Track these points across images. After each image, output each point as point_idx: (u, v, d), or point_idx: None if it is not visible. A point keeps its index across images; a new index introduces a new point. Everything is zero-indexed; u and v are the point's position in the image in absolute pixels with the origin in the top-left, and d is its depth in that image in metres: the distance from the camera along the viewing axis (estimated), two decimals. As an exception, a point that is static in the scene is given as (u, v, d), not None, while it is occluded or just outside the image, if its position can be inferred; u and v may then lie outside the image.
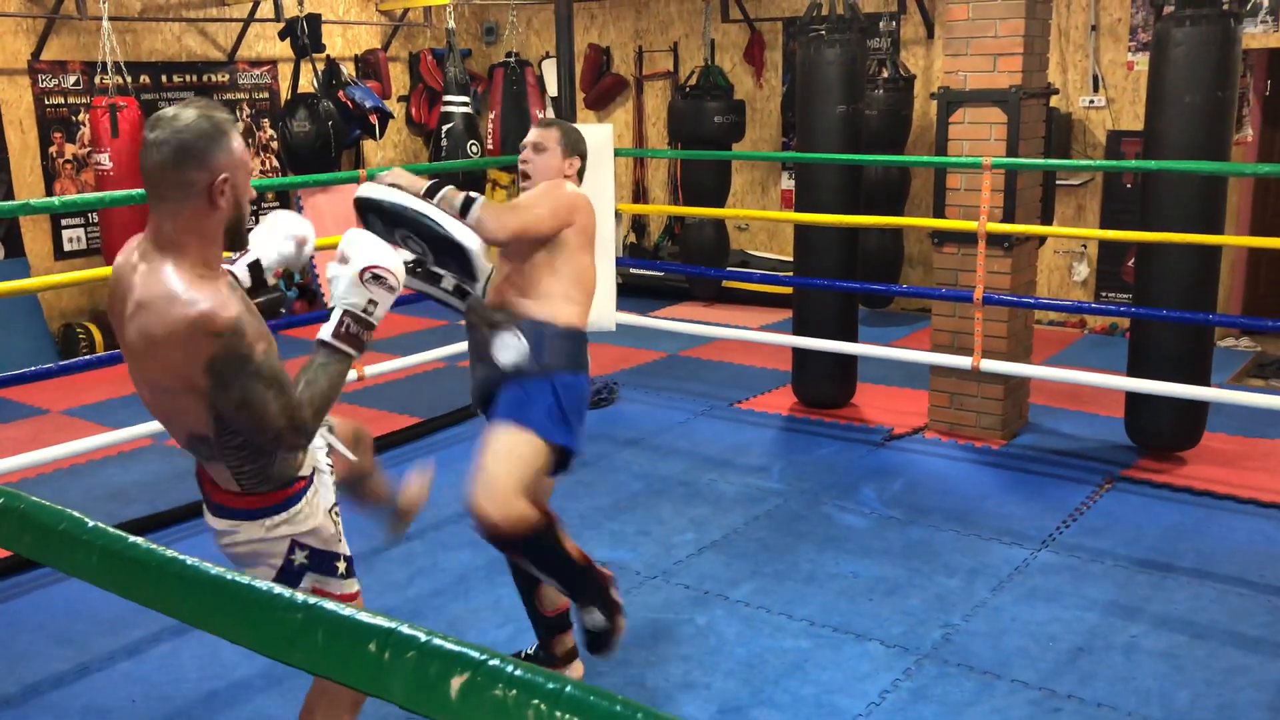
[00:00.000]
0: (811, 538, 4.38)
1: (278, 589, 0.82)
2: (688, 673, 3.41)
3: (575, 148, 3.14)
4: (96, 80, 7.35)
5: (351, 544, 4.45)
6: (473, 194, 2.90)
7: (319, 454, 2.39)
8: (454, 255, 2.85)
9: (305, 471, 2.28)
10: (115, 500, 4.83)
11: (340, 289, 2.12)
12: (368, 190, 2.84)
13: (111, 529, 0.95)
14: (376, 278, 2.11)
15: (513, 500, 2.82)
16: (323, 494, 2.33)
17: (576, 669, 3.35)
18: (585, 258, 3.04)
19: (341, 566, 2.35)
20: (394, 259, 2.16)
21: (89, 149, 7.34)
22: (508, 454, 2.85)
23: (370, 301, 2.12)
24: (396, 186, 2.85)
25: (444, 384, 6.54)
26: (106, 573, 0.90)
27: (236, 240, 2.17)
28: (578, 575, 2.98)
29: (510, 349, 2.90)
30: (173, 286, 1.98)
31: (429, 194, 2.85)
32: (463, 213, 2.84)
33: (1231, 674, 3.37)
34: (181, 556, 0.89)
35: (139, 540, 0.91)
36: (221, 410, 2.04)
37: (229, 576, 0.83)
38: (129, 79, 7.31)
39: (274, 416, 2.03)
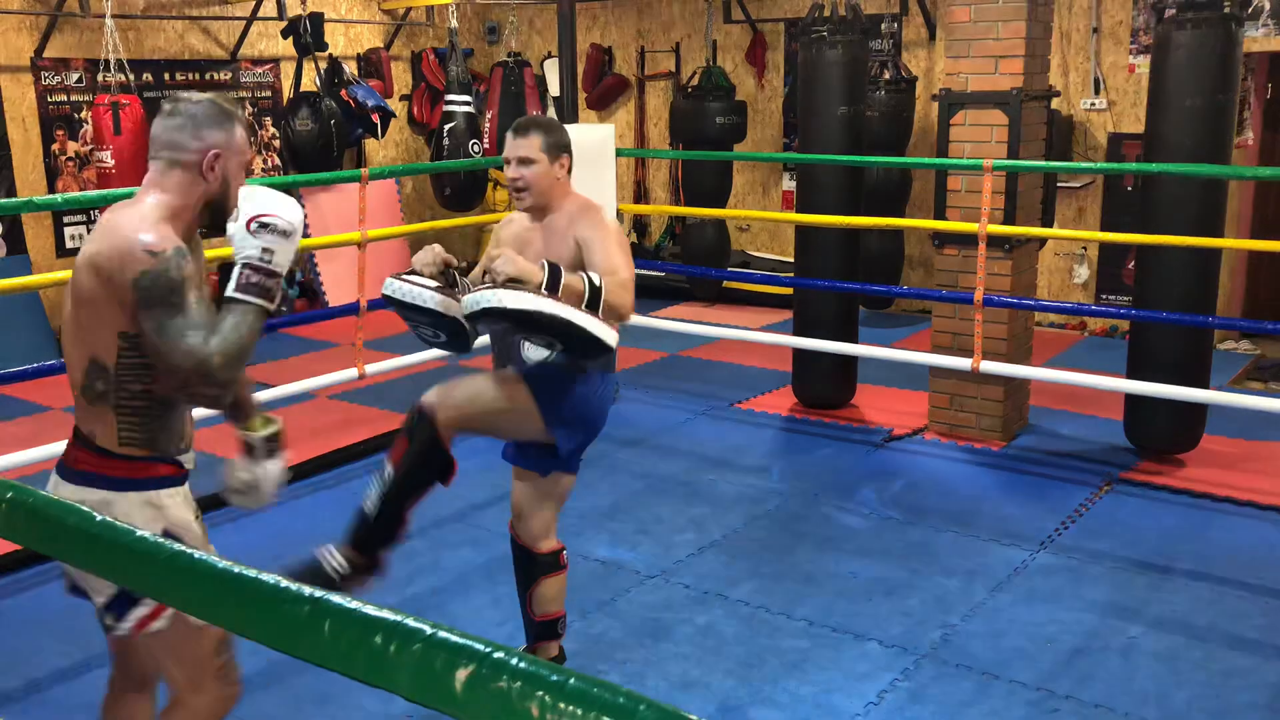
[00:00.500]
0: (811, 538, 4.39)
1: (284, 582, 0.83)
2: (687, 672, 3.42)
3: (559, 145, 3.03)
4: (99, 78, 7.36)
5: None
6: (592, 276, 2.81)
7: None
8: (591, 348, 2.82)
9: (188, 465, 2.32)
10: (116, 497, 4.84)
11: (236, 244, 2.13)
12: (493, 300, 2.70)
13: (119, 523, 0.96)
14: (263, 225, 2.11)
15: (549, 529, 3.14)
16: (190, 498, 2.34)
17: None
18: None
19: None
20: (284, 205, 2.15)
21: (91, 146, 7.35)
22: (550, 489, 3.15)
23: (264, 250, 2.12)
24: (514, 282, 2.75)
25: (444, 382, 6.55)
26: (114, 566, 0.91)
27: (215, 220, 2.24)
28: (383, 521, 3.03)
29: (540, 350, 2.97)
30: (128, 215, 2.13)
31: (550, 286, 2.76)
32: (591, 303, 2.79)
33: (1229, 675, 3.38)
34: (189, 550, 0.90)
35: (146, 534, 0.92)
36: (143, 328, 2.08)
37: (236, 570, 0.84)
38: (132, 77, 7.32)
39: (185, 353, 2.05)
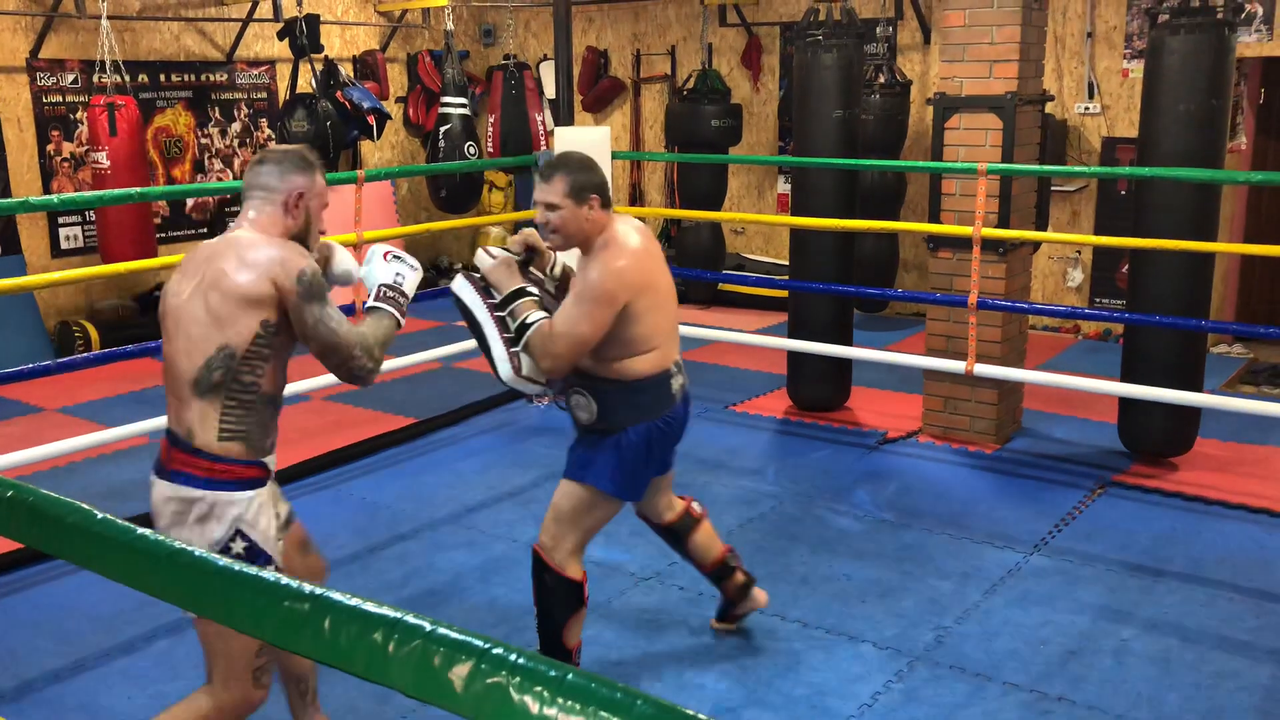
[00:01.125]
0: (805, 540, 4.40)
1: (284, 579, 0.84)
2: (681, 674, 3.42)
3: (586, 185, 3.00)
4: (95, 79, 7.36)
5: (347, 543, 4.46)
6: (533, 319, 2.97)
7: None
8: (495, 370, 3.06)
9: (271, 465, 2.50)
10: (112, 498, 4.84)
11: (373, 272, 2.63)
12: (458, 286, 3.10)
13: (120, 520, 0.96)
14: (396, 257, 2.65)
15: (567, 546, 3.14)
16: (274, 498, 2.51)
17: (760, 597, 3.62)
18: (649, 315, 3.05)
19: (270, 572, 2.31)
20: (403, 253, 2.69)
21: (87, 147, 7.35)
22: (573, 507, 3.13)
23: (397, 274, 2.63)
24: (486, 280, 3.06)
25: (440, 384, 6.56)
26: (116, 564, 0.92)
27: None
28: (555, 653, 3.16)
29: (581, 409, 3.12)
30: (251, 237, 2.47)
31: (508, 299, 3.02)
32: (518, 335, 2.99)
33: (1220, 677, 3.39)
34: (189, 547, 0.91)
35: (147, 532, 0.93)
36: (300, 317, 2.41)
37: (236, 567, 0.85)
38: (127, 78, 7.32)
39: (345, 337, 2.45)
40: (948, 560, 4.20)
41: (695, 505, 3.57)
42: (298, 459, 5.20)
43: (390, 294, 2.62)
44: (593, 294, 2.95)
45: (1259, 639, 3.63)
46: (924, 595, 3.91)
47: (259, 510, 2.42)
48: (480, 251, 3.12)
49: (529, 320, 2.97)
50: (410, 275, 2.65)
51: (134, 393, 6.46)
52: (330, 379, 5.15)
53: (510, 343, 3.01)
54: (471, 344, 5.89)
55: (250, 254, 2.41)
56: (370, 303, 2.61)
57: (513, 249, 3.13)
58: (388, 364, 5.43)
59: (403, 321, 2.62)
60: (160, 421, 4.59)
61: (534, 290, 3.06)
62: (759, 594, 3.62)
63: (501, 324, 3.02)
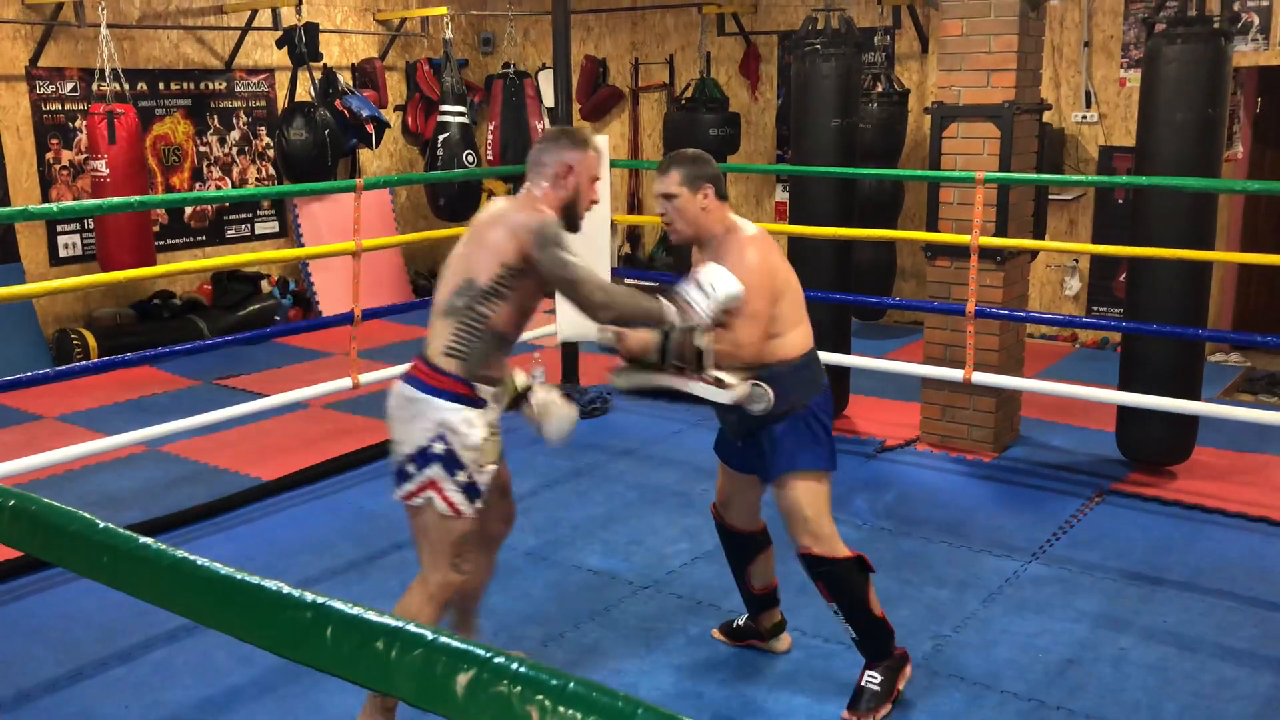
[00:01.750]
0: (804, 548, 4.40)
1: (286, 589, 0.84)
2: (679, 682, 3.42)
3: (700, 176, 3.13)
4: (94, 87, 7.37)
5: (346, 552, 4.45)
6: (700, 341, 2.99)
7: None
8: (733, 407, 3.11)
9: (483, 394, 2.82)
10: (110, 506, 4.84)
11: (689, 290, 2.90)
12: (621, 379, 3.14)
13: (122, 530, 0.96)
14: (706, 287, 2.92)
15: (824, 534, 3.18)
16: (483, 423, 2.81)
17: (784, 641, 3.62)
18: (789, 292, 3.19)
19: (462, 478, 2.80)
20: (723, 286, 2.92)
21: (86, 155, 7.36)
22: (806, 498, 3.16)
23: (694, 304, 2.89)
24: (634, 362, 3.08)
25: (438, 393, 6.55)
26: (118, 573, 0.92)
27: (570, 222, 2.91)
28: (873, 628, 3.24)
29: (760, 400, 3.12)
30: (513, 202, 2.92)
31: (662, 351, 3.03)
32: (700, 359, 3.00)
33: (1219, 686, 3.39)
34: (191, 556, 0.91)
35: (149, 541, 0.93)
36: (541, 264, 2.76)
37: (238, 576, 0.85)
38: (126, 86, 7.33)
39: (577, 272, 2.77)
40: (946, 568, 4.20)
41: (764, 535, 3.54)
42: (296, 467, 5.20)
43: (679, 302, 2.89)
44: (753, 281, 3.05)
45: (1258, 648, 3.63)
46: (922, 604, 3.91)
47: (464, 424, 2.77)
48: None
49: (699, 344, 2.99)
50: (701, 304, 2.89)
51: (132, 401, 6.46)
52: (325, 387, 5.16)
53: (699, 375, 3.03)
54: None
55: (504, 213, 2.84)
56: (663, 297, 2.88)
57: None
58: (386, 372, 5.45)
59: (665, 317, 2.90)
60: (160, 429, 4.60)
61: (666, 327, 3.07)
62: (785, 639, 3.62)
63: (679, 371, 3.05)
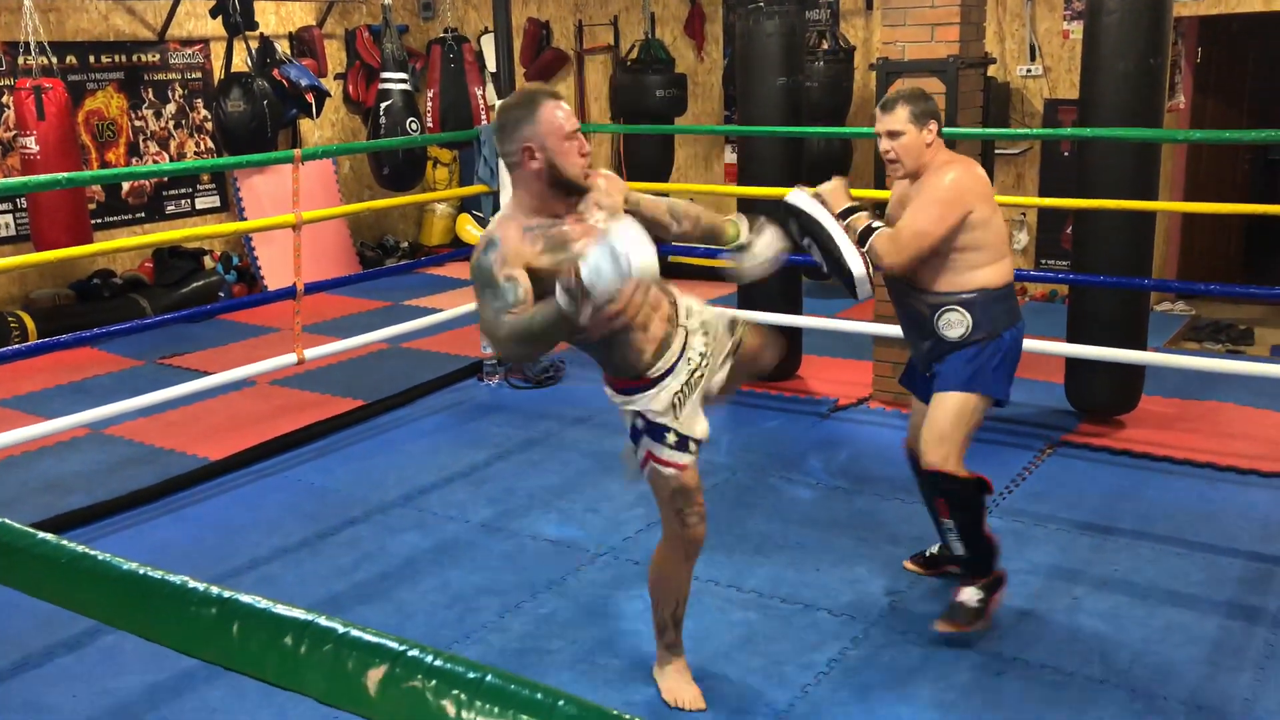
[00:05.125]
0: (759, 510, 4.40)
1: (191, 584, 0.80)
2: (637, 648, 3.41)
3: (925, 112, 3.24)
4: (19, 61, 7.14)
5: (296, 529, 4.38)
6: (876, 224, 3.27)
7: (693, 346, 2.95)
8: (842, 277, 3.27)
9: (654, 373, 2.87)
10: (52, 491, 4.73)
11: (587, 252, 2.40)
12: (796, 199, 3.33)
13: (16, 524, 0.91)
14: (613, 254, 2.34)
15: (956, 454, 3.26)
16: (671, 382, 2.89)
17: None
18: (995, 221, 3.31)
19: (671, 438, 2.90)
20: (607, 280, 2.34)
21: (14, 132, 7.14)
22: (958, 416, 3.27)
23: (595, 268, 2.35)
24: (820, 198, 3.31)
25: (387, 366, 6.47)
26: (12, 571, 0.87)
27: (569, 189, 2.72)
28: (981, 547, 3.34)
29: (956, 325, 3.28)
30: (506, 213, 2.77)
31: (844, 214, 3.28)
32: (861, 240, 3.25)
33: (1169, 631, 3.44)
34: (91, 552, 0.86)
35: (47, 536, 0.88)
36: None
37: (141, 572, 0.80)
38: (54, 59, 7.11)
39: (483, 320, 2.65)
40: (901, 525, 4.21)
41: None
42: (244, 445, 5.11)
43: (573, 286, 2.40)
44: (944, 196, 3.20)
45: (1206, 592, 3.68)
46: (878, 561, 3.93)
47: (651, 400, 2.88)
48: (798, 191, 3.38)
49: (873, 226, 3.25)
50: (609, 278, 2.34)
51: (73, 383, 6.32)
52: (271, 364, 5.06)
53: (860, 243, 3.25)
54: (419, 323, 5.83)
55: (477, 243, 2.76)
56: (557, 287, 2.45)
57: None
58: (331, 347, 5.37)
59: (566, 310, 2.40)
60: (103, 411, 4.48)
61: (865, 208, 3.35)
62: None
63: (851, 231, 3.26)
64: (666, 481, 2.95)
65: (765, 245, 3.06)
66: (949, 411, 3.28)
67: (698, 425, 2.96)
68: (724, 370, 3.08)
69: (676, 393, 2.92)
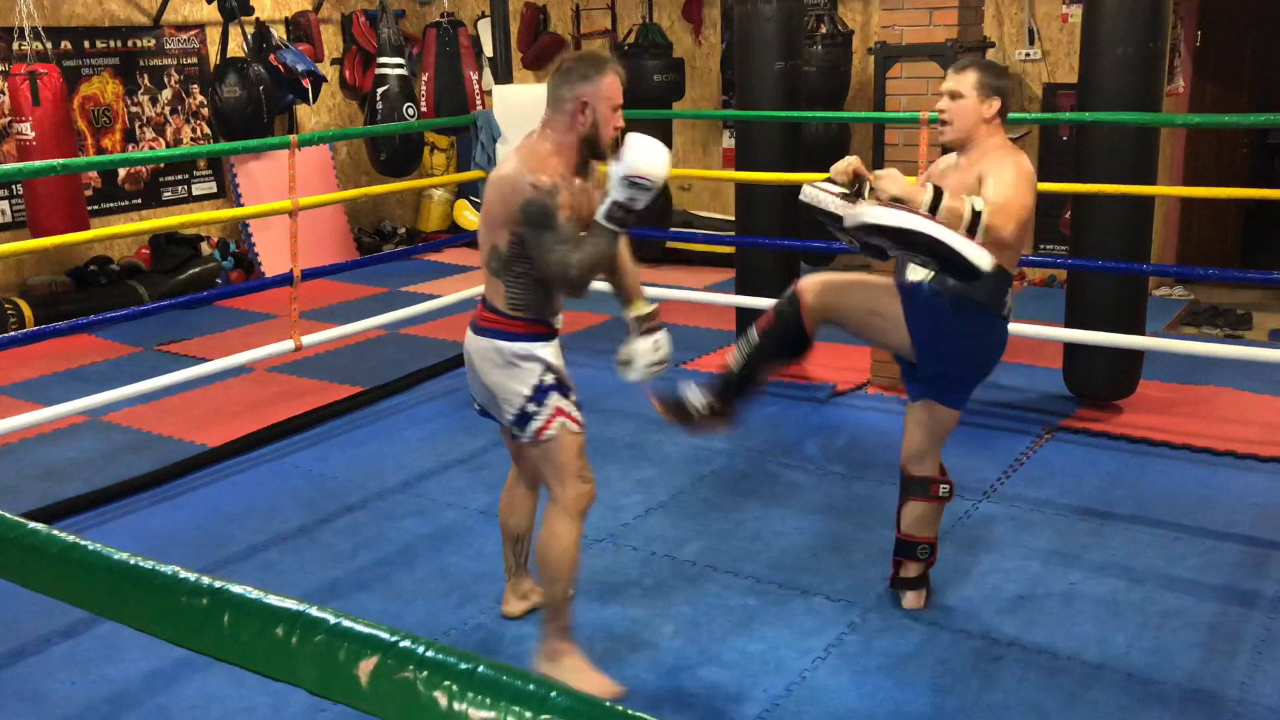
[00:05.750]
0: (757, 496, 4.40)
1: (183, 574, 0.79)
2: (635, 634, 3.41)
3: (995, 88, 3.15)
4: (15, 47, 7.10)
5: (295, 516, 4.38)
6: (976, 202, 2.95)
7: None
8: (961, 269, 2.92)
9: (555, 324, 3.03)
10: (50, 479, 4.72)
11: (612, 183, 2.78)
12: (874, 216, 2.92)
13: (6, 514, 0.91)
14: (634, 184, 2.75)
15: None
16: (556, 342, 3.03)
17: (909, 599, 3.52)
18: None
19: (574, 395, 3.03)
20: (656, 162, 2.75)
21: (9, 118, 7.11)
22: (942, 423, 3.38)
23: (630, 197, 2.78)
24: (897, 202, 2.93)
25: (385, 352, 6.46)
26: (4, 562, 0.87)
27: (594, 152, 2.94)
28: (743, 376, 3.34)
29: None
30: (520, 153, 2.92)
31: (931, 208, 2.92)
32: (970, 228, 2.92)
33: (1166, 616, 3.44)
34: (82, 542, 0.86)
35: (38, 526, 0.87)
36: (525, 238, 2.84)
37: (131, 562, 0.80)
38: (49, 45, 7.07)
39: (551, 262, 2.81)
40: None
41: (944, 487, 3.52)
42: (241, 432, 5.10)
43: (617, 213, 2.80)
44: (1019, 171, 3.07)
45: (1203, 577, 3.69)
46: (875, 546, 3.93)
47: (555, 354, 3.00)
48: (810, 188, 3.09)
49: (977, 207, 2.94)
50: (644, 197, 2.79)
51: (71, 370, 6.31)
52: (268, 350, 5.05)
53: (970, 233, 2.93)
54: (417, 309, 5.81)
55: (500, 169, 2.93)
56: (599, 217, 2.82)
57: (839, 180, 3.05)
58: (328, 334, 5.36)
59: (623, 234, 2.85)
60: (100, 398, 4.48)
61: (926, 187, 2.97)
62: (912, 597, 3.52)
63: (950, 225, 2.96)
64: (573, 440, 3.02)
65: (644, 354, 3.15)
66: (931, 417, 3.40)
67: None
68: None
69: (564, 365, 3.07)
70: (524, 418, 2.99)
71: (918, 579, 3.52)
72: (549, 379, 2.97)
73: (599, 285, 3.16)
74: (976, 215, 2.93)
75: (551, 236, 2.79)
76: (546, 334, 3.00)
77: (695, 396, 3.34)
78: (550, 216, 2.79)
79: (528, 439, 3.02)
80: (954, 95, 3.18)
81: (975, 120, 3.17)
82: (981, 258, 2.88)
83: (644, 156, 2.76)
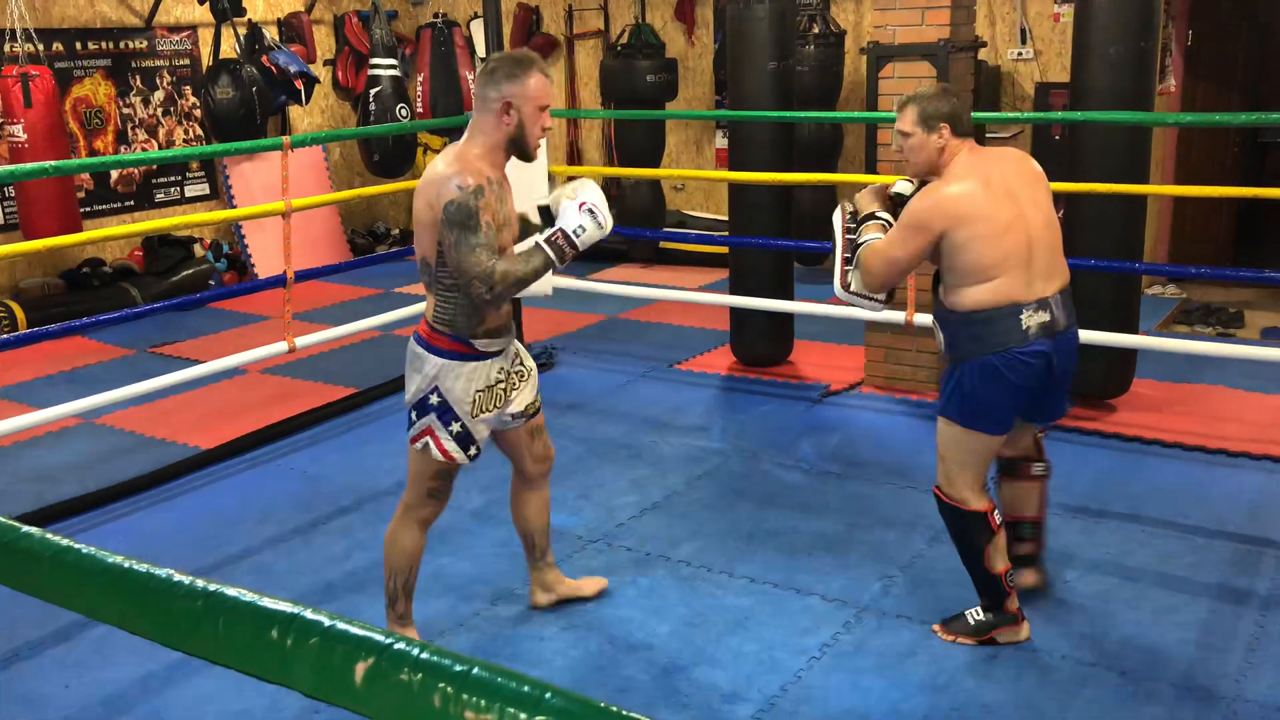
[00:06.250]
0: (751, 496, 4.41)
1: (177, 577, 0.79)
2: (630, 634, 3.41)
3: (934, 115, 3.11)
4: (6, 48, 7.09)
5: (288, 517, 4.37)
6: (866, 239, 3.21)
7: (522, 362, 3.18)
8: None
9: (481, 346, 3.00)
10: (43, 481, 4.71)
11: (563, 212, 2.91)
12: (837, 210, 3.37)
13: (0, 518, 0.90)
14: (590, 212, 2.89)
15: (947, 477, 3.25)
16: (479, 377, 3.01)
17: (1028, 578, 3.51)
18: (977, 245, 3.04)
19: (455, 428, 3.02)
20: (607, 211, 2.94)
21: (1, 120, 7.09)
22: (942, 440, 3.26)
23: (580, 226, 2.90)
24: (851, 203, 3.35)
25: (378, 353, 6.45)
26: (2, 563, 0.86)
27: (521, 154, 2.95)
28: (983, 579, 3.28)
29: (938, 340, 3.27)
30: (447, 156, 2.91)
31: (858, 224, 3.28)
32: (850, 255, 3.27)
33: (1160, 614, 3.45)
34: (76, 546, 0.86)
35: (32, 530, 0.87)
36: (442, 246, 2.85)
37: (126, 565, 0.80)
38: (40, 46, 7.06)
39: (470, 265, 2.81)
40: (893, 510, 4.22)
41: (1036, 466, 3.50)
42: (236, 434, 5.10)
43: (560, 240, 2.91)
44: (908, 220, 3.12)
45: (1196, 574, 3.70)
46: (870, 546, 3.94)
47: (456, 378, 2.98)
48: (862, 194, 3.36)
49: (861, 240, 3.21)
50: (592, 230, 2.91)
51: (64, 373, 6.29)
52: (261, 352, 5.05)
53: (847, 260, 3.27)
54: (411, 310, 5.81)
55: (427, 173, 2.90)
56: (539, 237, 2.92)
57: (903, 191, 3.28)
58: (322, 335, 5.36)
59: (557, 265, 2.92)
60: (94, 401, 4.47)
61: (885, 216, 3.25)
62: (1028, 575, 3.50)
63: (851, 245, 3.27)
64: (432, 463, 3.07)
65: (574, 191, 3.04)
66: (940, 437, 3.27)
67: (482, 432, 3.09)
68: (521, 409, 3.19)
69: (480, 390, 3.03)
70: (408, 419, 3.08)
71: (1026, 557, 3.52)
72: (434, 400, 3.00)
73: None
74: (857, 246, 3.24)
75: (474, 237, 2.80)
76: (465, 354, 2.99)
77: (971, 616, 3.34)
78: (472, 217, 2.79)
79: (408, 437, 3.10)
80: (904, 135, 3.16)
81: (931, 152, 3.14)
82: (835, 281, 3.28)
83: (599, 196, 2.91)
